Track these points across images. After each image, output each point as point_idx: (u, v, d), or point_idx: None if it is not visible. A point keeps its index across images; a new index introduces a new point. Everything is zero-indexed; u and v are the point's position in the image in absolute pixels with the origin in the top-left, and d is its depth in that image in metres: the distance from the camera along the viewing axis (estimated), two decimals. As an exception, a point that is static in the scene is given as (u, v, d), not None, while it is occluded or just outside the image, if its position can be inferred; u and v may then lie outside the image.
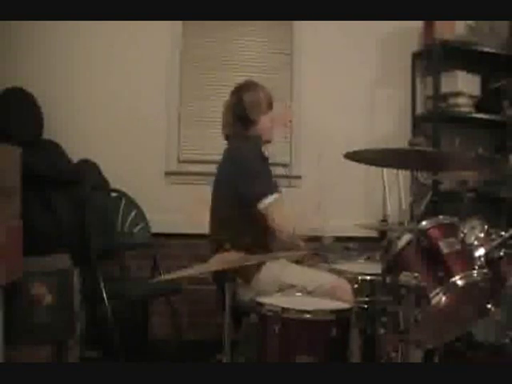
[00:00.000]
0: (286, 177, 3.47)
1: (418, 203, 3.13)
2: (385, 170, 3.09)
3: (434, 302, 1.79)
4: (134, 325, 3.13)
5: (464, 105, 3.57)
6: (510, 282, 2.08)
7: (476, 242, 2.08)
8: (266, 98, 2.38)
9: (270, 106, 2.39)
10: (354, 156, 1.91)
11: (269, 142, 2.45)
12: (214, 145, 3.35)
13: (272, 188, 2.23)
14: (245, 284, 2.17)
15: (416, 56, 3.70)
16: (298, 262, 2.38)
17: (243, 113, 2.33)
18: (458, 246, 1.90)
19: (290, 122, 2.45)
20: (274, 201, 2.18)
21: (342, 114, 3.59)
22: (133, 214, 3.16)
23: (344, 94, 3.61)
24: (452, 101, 3.55)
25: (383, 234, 2.18)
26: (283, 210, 2.20)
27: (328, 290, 2.06)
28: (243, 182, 2.21)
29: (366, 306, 2.11)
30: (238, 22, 3.50)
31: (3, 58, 3.18)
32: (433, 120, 3.53)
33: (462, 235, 1.97)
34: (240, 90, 2.38)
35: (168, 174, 3.41)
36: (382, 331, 1.95)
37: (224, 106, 2.44)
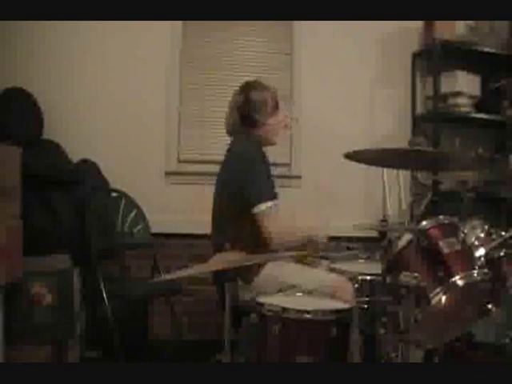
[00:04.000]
0: (286, 177, 3.47)
1: (417, 203, 3.13)
2: (385, 169, 3.09)
3: (433, 301, 1.78)
4: (134, 325, 3.13)
5: (464, 105, 3.57)
6: (511, 282, 2.08)
7: (476, 242, 2.08)
8: (273, 99, 2.35)
9: (275, 107, 2.36)
10: (354, 156, 1.91)
11: (272, 144, 2.43)
12: (214, 145, 3.36)
13: (270, 194, 2.19)
14: (245, 284, 2.16)
15: (416, 56, 3.70)
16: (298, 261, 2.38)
17: (249, 113, 2.30)
18: (458, 246, 1.90)
19: (291, 119, 2.42)
20: (270, 208, 2.13)
21: (342, 113, 3.59)
22: (133, 214, 3.16)
23: (344, 94, 3.61)
24: (452, 101, 3.55)
25: (383, 234, 2.18)
26: (277, 219, 2.15)
27: (329, 290, 2.06)
28: (244, 182, 2.18)
29: (366, 306, 2.10)
30: (238, 22, 3.50)
31: (3, 57, 3.18)
32: (433, 120, 3.52)
33: (462, 235, 1.96)
34: (246, 90, 2.34)
35: (168, 173, 3.41)
36: (382, 331, 1.95)
37: (229, 104, 2.41)
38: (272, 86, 2.42)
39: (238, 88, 2.41)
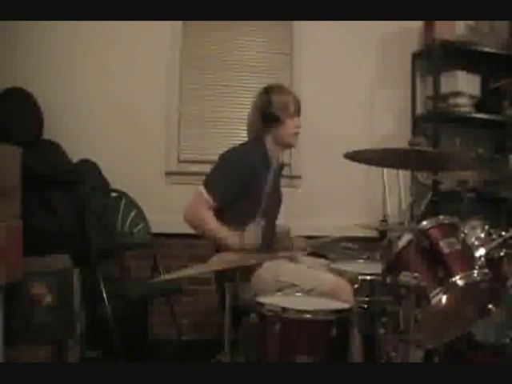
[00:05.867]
0: (286, 177, 3.47)
1: (418, 203, 3.13)
2: (385, 170, 3.10)
3: (434, 301, 1.78)
4: (134, 325, 3.13)
5: (464, 105, 3.57)
6: (511, 282, 2.07)
7: (476, 242, 2.08)
8: (295, 102, 2.36)
9: (297, 111, 2.37)
10: (354, 156, 1.91)
11: (291, 146, 2.46)
12: (214, 145, 3.36)
13: (215, 188, 2.22)
14: (244, 282, 2.16)
15: (416, 56, 3.71)
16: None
17: (270, 110, 2.31)
18: (459, 246, 1.89)
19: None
20: (203, 194, 2.20)
21: (342, 113, 3.59)
22: (133, 213, 3.16)
23: (344, 94, 3.61)
24: (452, 101, 3.55)
25: (383, 233, 2.18)
26: (201, 206, 2.20)
27: (327, 289, 2.06)
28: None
29: (366, 306, 2.10)
30: (238, 22, 3.50)
31: (3, 57, 3.18)
32: (433, 120, 3.53)
33: (462, 235, 1.96)
34: (269, 90, 2.37)
35: (168, 173, 3.41)
36: (382, 331, 1.94)
37: (252, 105, 2.42)
38: (294, 92, 2.45)
39: (261, 90, 2.42)
